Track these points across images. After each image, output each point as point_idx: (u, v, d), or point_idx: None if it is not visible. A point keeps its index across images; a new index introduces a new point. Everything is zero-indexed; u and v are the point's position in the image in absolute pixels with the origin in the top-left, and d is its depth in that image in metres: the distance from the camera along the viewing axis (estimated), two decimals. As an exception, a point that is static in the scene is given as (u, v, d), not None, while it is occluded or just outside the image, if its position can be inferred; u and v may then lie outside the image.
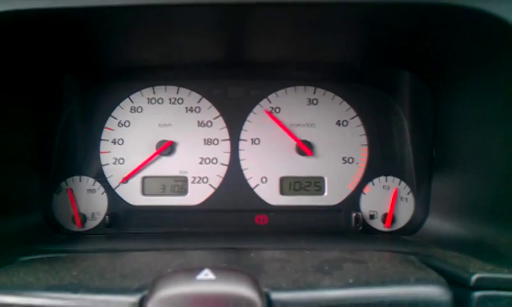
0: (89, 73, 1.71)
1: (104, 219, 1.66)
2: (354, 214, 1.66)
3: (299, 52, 1.57)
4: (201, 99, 1.74)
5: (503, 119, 1.18)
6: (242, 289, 0.83)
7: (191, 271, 0.88)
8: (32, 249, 1.30)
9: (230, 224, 1.69)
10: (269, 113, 1.72)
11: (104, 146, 1.72)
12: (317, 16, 1.21)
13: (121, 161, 1.71)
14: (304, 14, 1.18)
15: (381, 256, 1.16)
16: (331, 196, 1.70)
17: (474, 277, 1.00)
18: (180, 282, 0.86)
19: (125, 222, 1.68)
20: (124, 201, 1.70)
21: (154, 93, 1.74)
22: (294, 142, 1.71)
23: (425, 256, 1.18)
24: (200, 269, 0.88)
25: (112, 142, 1.72)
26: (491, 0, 1.04)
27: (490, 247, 1.20)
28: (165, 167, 1.71)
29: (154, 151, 1.70)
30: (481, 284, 1.00)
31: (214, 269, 0.89)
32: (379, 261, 1.09)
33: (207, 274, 0.87)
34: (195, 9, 1.11)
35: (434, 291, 0.91)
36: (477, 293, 0.99)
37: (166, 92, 1.74)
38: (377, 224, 1.68)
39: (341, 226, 1.68)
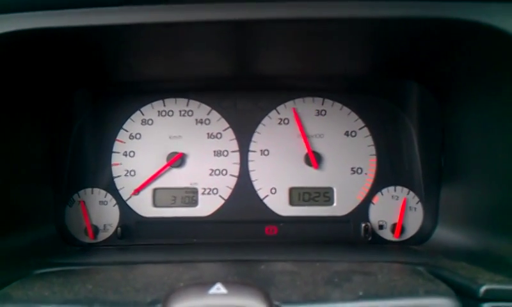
0: (100, 87, 1.73)
1: (116, 230, 1.68)
2: (363, 224, 1.67)
3: (307, 66, 1.59)
4: (210, 111, 1.76)
5: (509, 130, 1.19)
6: (254, 303, 0.85)
7: (203, 285, 0.90)
8: (46, 261, 1.32)
9: (240, 235, 1.70)
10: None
11: (115, 158, 1.74)
12: (326, 31, 1.23)
13: (132, 173, 1.73)
14: (312, 28, 1.20)
15: (390, 267, 1.17)
16: (340, 207, 1.71)
17: (483, 289, 1.00)
18: (192, 296, 0.87)
19: (136, 234, 1.70)
20: (135, 212, 1.72)
21: (164, 105, 1.76)
22: (302, 153, 1.72)
23: (434, 267, 1.19)
24: (212, 283, 0.89)
25: (123, 154, 1.74)
26: (494, 14, 1.05)
27: (499, 257, 1.21)
28: (175, 178, 1.73)
29: (165, 163, 1.72)
30: (490, 296, 1.00)
31: (226, 283, 0.90)
32: (389, 273, 1.10)
33: (219, 288, 0.88)
34: (204, 25, 1.13)
35: (442, 303, 0.92)
36: (486, 305, 0.99)
37: (176, 104, 1.76)
38: (386, 234, 1.69)
39: (350, 237, 1.69)
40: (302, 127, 1.73)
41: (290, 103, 1.76)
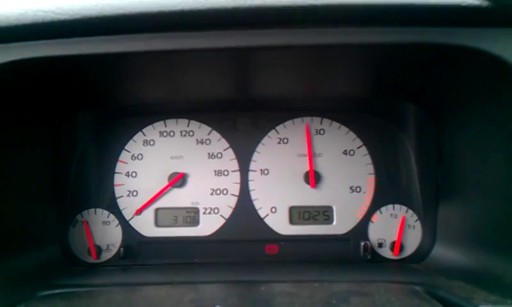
0: (102, 110, 1.76)
1: (119, 250, 1.70)
2: (362, 243, 1.68)
3: (306, 89, 1.62)
4: (211, 131, 1.79)
5: (505, 150, 1.21)
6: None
7: (203, 309, 0.92)
8: (50, 283, 1.33)
9: (241, 254, 1.71)
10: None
11: (117, 178, 1.77)
12: (323, 56, 1.26)
13: (134, 193, 1.75)
14: (310, 54, 1.23)
15: (388, 287, 1.19)
16: (339, 225, 1.72)
17: (478, 309, 1.02)
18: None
19: (138, 254, 1.72)
20: (138, 232, 1.73)
21: (166, 126, 1.79)
22: (302, 172, 1.74)
23: (431, 287, 1.21)
24: (211, 307, 0.91)
25: (125, 175, 1.77)
26: (485, 39, 1.08)
27: (495, 277, 1.22)
28: (177, 198, 1.75)
29: (166, 183, 1.74)
30: (485, 316, 1.02)
31: (226, 306, 0.92)
32: (386, 294, 1.12)
33: (218, 312, 0.90)
34: (203, 53, 1.16)
35: (438, 324, 0.94)
36: (481, 325, 1.01)
37: (177, 125, 1.79)
38: (386, 252, 1.70)
39: (350, 255, 1.70)
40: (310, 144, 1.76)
41: (289, 123, 1.78)
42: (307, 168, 1.74)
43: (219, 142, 1.78)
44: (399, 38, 1.11)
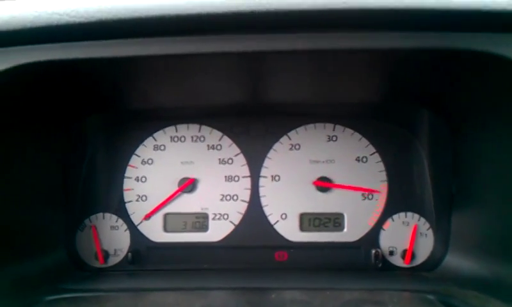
0: (113, 113, 1.75)
1: (127, 255, 1.68)
2: (373, 251, 1.66)
3: (319, 94, 1.60)
4: (222, 136, 1.77)
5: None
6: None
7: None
8: (57, 287, 1.32)
9: (250, 260, 1.69)
10: None
11: (127, 183, 1.75)
12: (338, 61, 1.24)
13: (143, 198, 1.74)
14: (325, 59, 1.21)
15: (401, 296, 1.17)
16: (350, 233, 1.70)
17: (493, 320, 1.00)
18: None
19: (147, 259, 1.71)
20: (146, 237, 1.72)
21: (177, 131, 1.77)
22: (313, 179, 1.72)
23: (444, 296, 1.19)
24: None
25: (135, 179, 1.75)
26: (506, 44, 1.06)
27: (509, 286, 1.20)
28: (186, 204, 1.74)
29: (176, 188, 1.73)
30: (500, 327, 1.00)
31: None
32: (399, 303, 1.10)
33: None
34: (216, 57, 1.14)
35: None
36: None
37: (188, 130, 1.77)
38: (397, 261, 1.68)
39: (360, 263, 1.68)
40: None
41: (301, 129, 1.76)
42: (319, 174, 1.72)
43: (230, 148, 1.77)
44: (420, 43, 1.09)
